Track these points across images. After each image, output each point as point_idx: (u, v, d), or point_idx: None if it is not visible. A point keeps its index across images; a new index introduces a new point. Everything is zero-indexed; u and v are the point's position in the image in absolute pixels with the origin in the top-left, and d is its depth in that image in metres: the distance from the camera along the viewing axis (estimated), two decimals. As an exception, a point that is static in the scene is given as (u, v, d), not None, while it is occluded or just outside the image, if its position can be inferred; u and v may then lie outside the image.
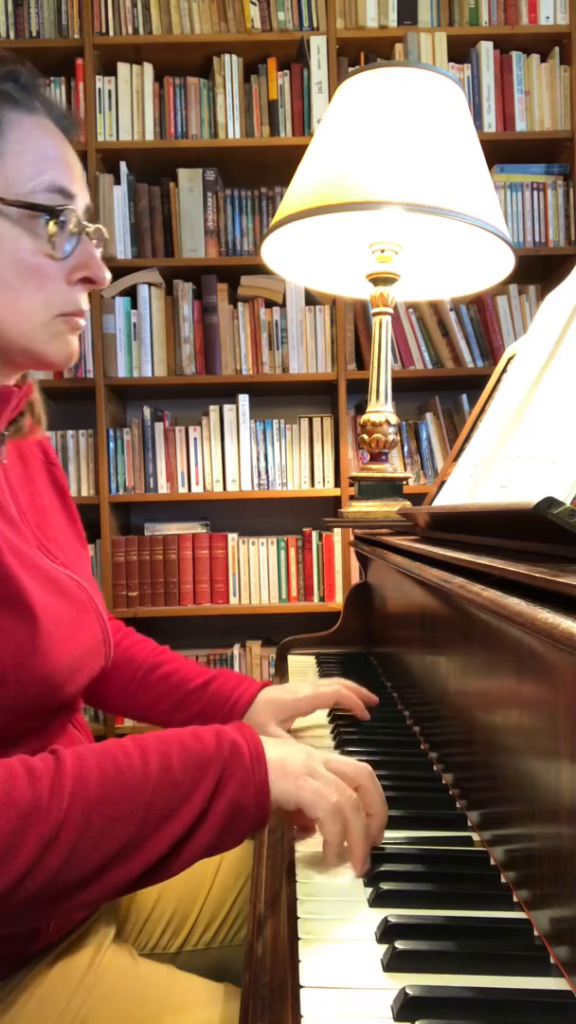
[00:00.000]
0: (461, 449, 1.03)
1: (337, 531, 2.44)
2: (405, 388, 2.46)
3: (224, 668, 0.99)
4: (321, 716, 0.98)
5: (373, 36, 2.39)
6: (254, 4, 2.37)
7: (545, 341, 0.82)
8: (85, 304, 0.76)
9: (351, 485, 1.53)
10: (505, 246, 1.29)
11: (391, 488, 1.41)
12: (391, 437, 1.41)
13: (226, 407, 2.44)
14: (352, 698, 0.92)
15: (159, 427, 2.45)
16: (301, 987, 0.45)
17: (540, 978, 0.46)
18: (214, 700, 0.91)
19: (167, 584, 2.42)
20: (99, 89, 2.39)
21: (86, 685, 0.77)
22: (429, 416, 2.48)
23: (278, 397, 2.63)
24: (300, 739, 0.92)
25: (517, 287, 2.47)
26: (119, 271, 2.35)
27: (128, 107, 2.40)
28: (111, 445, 2.42)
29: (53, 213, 0.70)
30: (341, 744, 0.87)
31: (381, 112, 1.25)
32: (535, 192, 2.44)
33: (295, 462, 2.46)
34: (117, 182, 2.39)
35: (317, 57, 2.37)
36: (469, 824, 0.66)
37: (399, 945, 0.47)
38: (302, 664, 1.31)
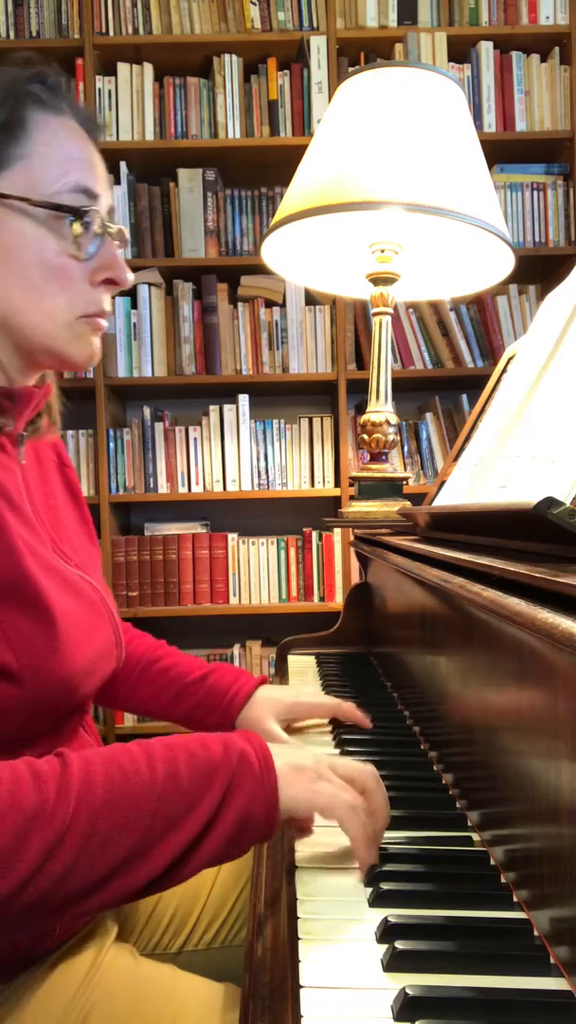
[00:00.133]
0: (461, 449, 1.03)
1: (337, 531, 2.44)
2: (405, 388, 2.46)
3: (222, 663, 0.99)
4: (321, 716, 0.98)
5: (373, 36, 2.39)
6: (254, 4, 2.37)
7: (545, 341, 0.82)
8: (108, 305, 0.76)
9: (351, 485, 1.53)
10: (505, 246, 1.29)
11: (391, 488, 1.41)
12: (391, 437, 1.41)
13: (226, 407, 2.44)
14: (352, 709, 0.92)
15: (159, 427, 2.45)
16: (301, 987, 0.45)
17: (540, 978, 0.46)
18: (212, 693, 0.92)
19: (167, 584, 2.42)
20: (99, 89, 2.39)
21: (98, 687, 0.77)
22: (429, 416, 2.48)
23: (278, 397, 2.63)
24: (300, 737, 0.92)
25: (517, 287, 2.47)
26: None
27: (128, 107, 2.40)
28: (111, 445, 2.43)
29: (78, 214, 0.70)
30: (341, 744, 0.87)
31: (381, 112, 1.25)
32: (535, 192, 2.44)
33: (295, 462, 2.46)
34: (117, 182, 2.39)
35: (317, 57, 2.37)
36: (469, 824, 0.66)
37: (399, 945, 0.47)
38: (302, 664, 1.31)
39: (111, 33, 2.38)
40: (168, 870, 0.53)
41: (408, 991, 0.43)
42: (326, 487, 2.45)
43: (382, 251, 1.35)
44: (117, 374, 2.41)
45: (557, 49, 2.42)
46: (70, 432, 2.43)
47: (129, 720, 2.40)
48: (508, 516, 0.60)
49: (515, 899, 0.53)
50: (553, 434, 0.66)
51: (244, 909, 0.87)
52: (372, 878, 0.56)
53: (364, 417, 1.42)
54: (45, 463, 0.84)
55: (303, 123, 2.41)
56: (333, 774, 0.60)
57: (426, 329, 2.44)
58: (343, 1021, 0.43)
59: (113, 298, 0.78)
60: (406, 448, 2.48)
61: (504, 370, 1.01)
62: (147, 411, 2.46)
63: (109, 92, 2.40)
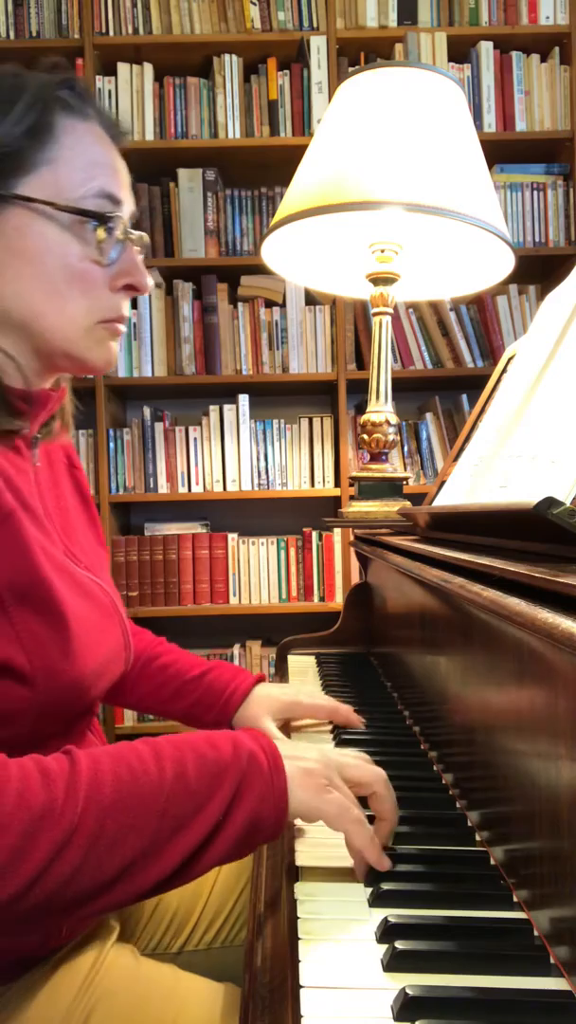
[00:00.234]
0: (461, 449, 1.03)
1: (337, 531, 2.44)
2: (405, 388, 2.46)
3: (221, 660, 0.99)
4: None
5: (373, 36, 2.39)
6: (254, 4, 2.37)
7: (545, 341, 0.82)
8: (127, 311, 0.76)
9: (351, 485, 1.53)
10: (505, 246, 1.29)
11: (391, 488, 1.41)
12: (391, 437, 1.41)
13: (226, 407, 2.44)
14: (347, 715, 0.92)
15: (159, 427, 2.45)
16: (301, 987, 0.45)
17: (540, 978, 0.46)
18: (210, 691, 0.93)
19: (167, 584, 2.42)
20: (99, 89, 2.39)
21: (107, 689, 0.77)
22: (429, 416, 2.48)
23: (278, 397, 2.63)
24: (300, 736, 0.92)
25: (517, 287, 2.47)
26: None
27: (128, 107, 2.40)
28: (111, 445, 2.43)
29: (102, 220, 0.70)
30: (341, 744, 0.87)
31: (381, 112, 1.25)
32: (535, 192, 2.44)
33: (295, 462, 2.46)
34: (117, 182, 2.39)
35: (317, 57, 2.37)
36: (469, 824, 0.66)
37: (399, 945, 0.47)
38: (302, 664, 1.31)
39: (111, 33, 2.38)
40: (177, 871, 0.53)
41: (408, 991, 0.43)
42: (326, 487, 2.45)
43: (382, 251, 1.35)
44: (117, 374, 2.41)
45: (557, 49, 2.42)
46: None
47: (129, 720, 2.40)
48: (508, 516, 0.60)
49: (515, 899, 0.53)
50: (553, 434, 0.66)
51: (245, 909, 0.87)
52: (372, 878, 0.56)
53: (364, 417, 1.42)
54: (56, 464, 0.84)
55: (303, 123, 2.41)
56: (342, 781, 0.60)
57: (426, 329, 2.44)
58: (343, 1021, 0.43)
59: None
60: (406, 448, 2.48)
61: (504, 370, 1.01)
62: (147, 411, 2.46)
63: (109, 92, 2.40)
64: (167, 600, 2.42)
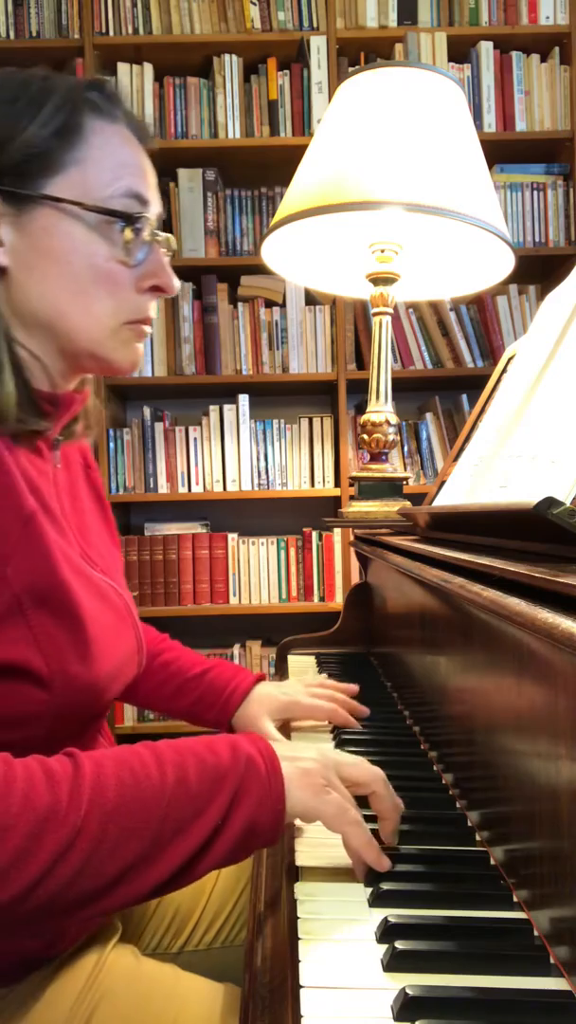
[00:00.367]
0: (461, 449, 1.03)
1: (337, 531, 2.44)
2: (405, 388, 2.46)
3: (222, 659, 1.00)
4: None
5: (373, 36, 2.39)
6: (254, 4, 2.37)
7: (545, 341, 0.82)
8: (153, 312, 0.76)
9: (351, 485, 1.53)
10: (505, 246, 1.29)
11: (391, 488, 1.41)
12: (391, 437, 1.41)
13: (226, 407, 2.44)
14: (345, 716, 0.92)
15: (159, 427, 2.45)
16: (301, 987, 0.45)
17: (540, 978, 0.46)
18: (211, 689, 0.93)
19: (167, 584, 2.42)
20: (99, 89, 2.38)
21: (119, 692, 0.78)
22: (429, 416, 2.48)
23: (278, 397, 2.63)
24: (299, 736, 0.92)
25: (517, 287, 2.47)
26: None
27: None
28: (111, 445, 2.43)
29: (130, 220, 0.70)
30: (341, 743, 0.87)
31: (381, 112, 1.25)
32: (535, 192, 2.44)
33: (295, 462, 2.46)
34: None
35: (317, 57, 2.37)
36: (469, 824, 0.66)
37: (399, 945, 0.47)
38: (302, 664, 1.31)
39: (111, 33, 2.38)
40: (175, 874, 0.53)
41: (408, 991, 0.43)
42: (326, 487, 2.45)
43: (382, 251, 1.35)
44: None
45: (557, 49, 2.42)
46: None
47: (129, 720, 2.40)
48: (508, 516, 0.60)
49: (515, 899, 0.53)
50: (553, 434, 0.66)
51: (244, 909, 0.87)
52: (372, 878, 0.56)
53: (364, 417, 1.42)
54: (73, 466, 0.84)
55: (303, 123, 2.41)
56: (340, 780, 0.60)
57: (426, 329, 2.44)
58: (343, 1021, 0.43)
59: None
60: (406, 448, 2.48)
61: (504, 370, 1.01)
62: (147, 411, 2.46)
63: (109, 92, 2.39)
64: (167, 600, 2.42)
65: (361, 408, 2.44)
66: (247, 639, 2.51)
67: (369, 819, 0.60)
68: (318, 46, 2.36)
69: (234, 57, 2.40)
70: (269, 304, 2.47)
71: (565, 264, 2.38)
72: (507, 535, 0.66)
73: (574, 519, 0.49)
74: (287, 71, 2.41)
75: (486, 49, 2.40)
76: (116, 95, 0.74)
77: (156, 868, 0.52)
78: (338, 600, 2.42)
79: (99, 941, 0.72)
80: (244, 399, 2.44)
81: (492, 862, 0.59)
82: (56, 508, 0.72)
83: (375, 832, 0.60)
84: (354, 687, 1.00)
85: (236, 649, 2.47)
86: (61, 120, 0.69)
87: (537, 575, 0.47)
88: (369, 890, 0.55)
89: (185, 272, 2.44)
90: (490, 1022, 0.42)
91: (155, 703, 0.96)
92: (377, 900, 0.54)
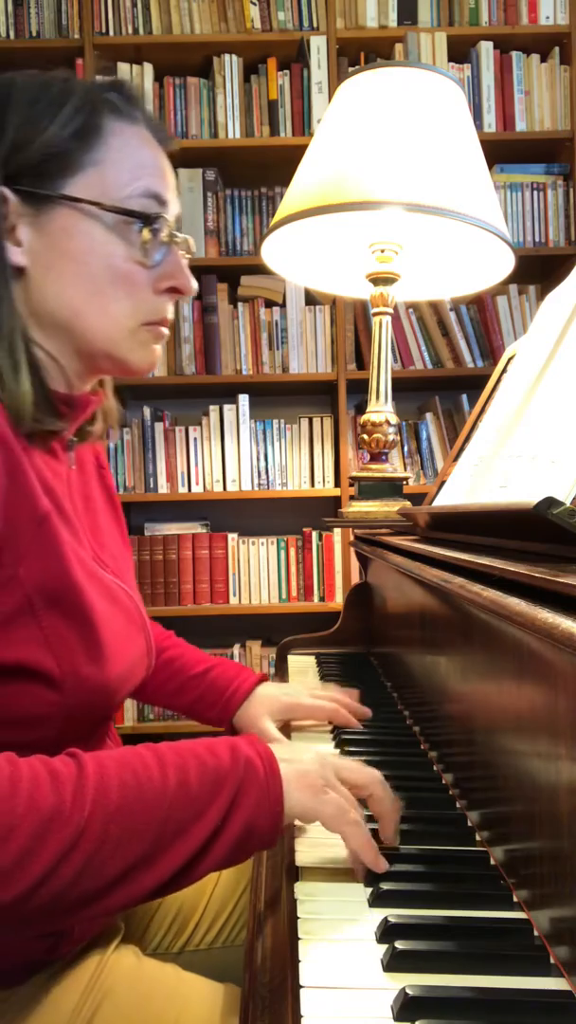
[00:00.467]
0: (461, 449, 1.03)
1: (337, 531, 2.44)
2: (405, 388, 2.46)
3: (225, 658, 1.00)
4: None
5: (373, 36, 2.39)
6: (254, 4, 2.37)
7: (545, 341, 0.82)
8: (170, 313, 0.76)
9: (351, 485, 1.53)
10: (505, 246, 1.29)
11: (391, 488, 1.41)
12: (391, 437, 1.41)
13: (226, 407, 2.44)
14: (347, 717, 0.93)
15: (159, 427, 2.45)
16: (301, 987, 0.45)
17: (540, 978, 0.46)
18: (213, 688, 0.94)
19: (167, 584, 2.42)
20: (99, 89, 2.38)
21: (128, 694, 0.78)
22: (429, 416, 2.48)
23: (278, 397, 2.63)
24: (300, 736, 0.93)
25: (517, 287, 2.47)
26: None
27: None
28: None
29: (148, 220, 0.70)
30: (341, 744, 0.87)
31: (381, 112, 1.25)
32: (535, 192, 2.44)
33: (295, 462, 2.46)
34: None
35: (317, 57, 2.37)
36: (469, 824, 0.66)
37: (399, 945, 0.47)
38: (302, 664, 1.31)
39: (111, 33, 2.38)
40: (174, 876, 0.53)
41: (408, 991, 0.43)
42: (326, 487, 2.45)
43: (382, 251, 1.35)
44: (117, 374, 2.41)
45: (557, 49, 2.42)
46: (70, 432, 2.42)
47: (129, 720, 2.40)
48: (508, 516, 0.60)
49: (515, 899, 0.54)
50: (553, 434, 0.66)
51: (245, 909, 0.88)
52: (372, 878, 0.56)
53: (364, 417, 1.42)
54: (86, 466, 0.83)
55: (303, 123, 2.41)
56: (339, 781, 0.60)
57: (426, 329, 2.44)
58: (343, 1021, 0.43)
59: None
60: (406, 448, 2.48)
61: (504, 370, 1.01)
62: (147, 411, 2.46)
63: (109, 92, 2.40)
64: (167, 600, 2.42)
65: (361, 408, 2.44)
66: (247, 639, 2.51)
67: (370, 819, 0.60)
68: (318, 46, 2.36)
69: (234, 57, 2.40)
70: (269, 304, 2.47)
71: (565, 264, 2.38)
72: (507, 535, 0.66)
73: (574, 519, 0.49)
74: (287, 71, 2.41)
75: (486, 49, 2.40)
76: (135, 97, 0.75)
77: (157, 869, 0.52)
78: (338, 600, 2.42)
79: (102, 942, 0.72)
80: (244, 399, 2.44)
81: (492, 862, 0.59)
82: (69, 509, 0.72)
83: (375, 833, 0.60)
84: (355, 693, 1.00)
85: (236, 649, 2.47)
86: (81, 121, 0.69)
87: (537, 575, 0.47)
88: (369, 890, 0.55)
89: (185, 272, 2.44)
90: (490, 1022, 0.42)
91: (157, 699, 0.97)
92: (377, 900, 0.54)
